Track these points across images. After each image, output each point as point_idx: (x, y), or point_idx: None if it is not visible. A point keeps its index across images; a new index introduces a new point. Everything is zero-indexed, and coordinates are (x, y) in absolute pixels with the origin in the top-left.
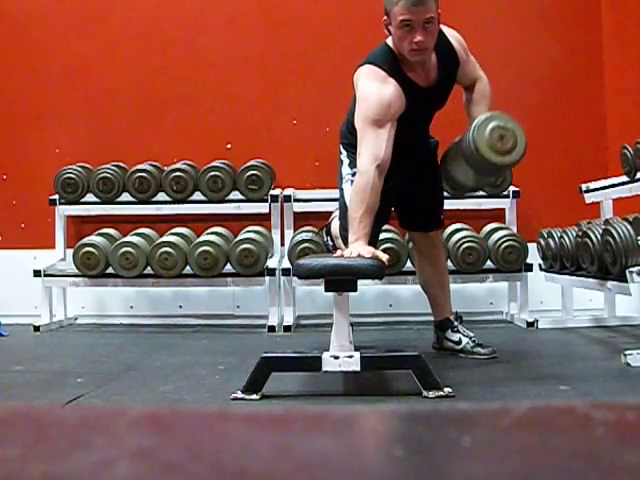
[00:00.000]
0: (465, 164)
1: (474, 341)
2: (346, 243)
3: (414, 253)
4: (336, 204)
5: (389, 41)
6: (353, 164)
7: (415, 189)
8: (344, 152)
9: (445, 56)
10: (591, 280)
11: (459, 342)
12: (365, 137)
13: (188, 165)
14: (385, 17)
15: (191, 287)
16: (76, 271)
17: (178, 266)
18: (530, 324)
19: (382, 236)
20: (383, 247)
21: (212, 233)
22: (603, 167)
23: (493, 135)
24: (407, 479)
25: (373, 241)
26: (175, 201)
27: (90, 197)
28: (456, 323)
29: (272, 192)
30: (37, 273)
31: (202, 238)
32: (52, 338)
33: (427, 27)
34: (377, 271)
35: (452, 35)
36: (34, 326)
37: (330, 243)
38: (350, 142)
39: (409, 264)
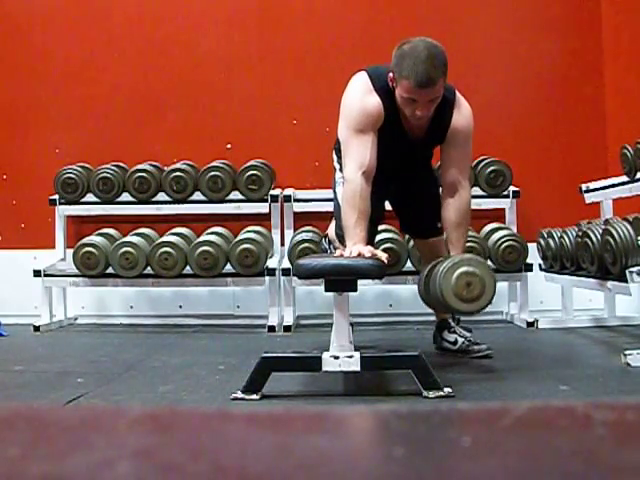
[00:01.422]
0: (436, 303)
1: (470, 341)
2: (343, 242)
3: (419, 257)
4: None
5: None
6: (342, 169)
7: (410, 198)
8: (335, 158)
9: (437, 127)
10: (591, 280)
11: (455, 342)
12: (349, 146)
13: (188, 165)
14: (391, 75)
15: (191, 287)
16: (76, 271)
17: (178, 266)
18: (530, 324)
19: (382, 236)
20: (383, 247)
21: (212, 233)
22: (603, 167)
23: (459, 283)
24: (407, 479)
25: (370, 241)
26: (175, 201)
27: (90, 197)
28: (453, 324)
29: (272, 192)
30: (37, 273)
31: (202, 238)
32: (52, 338)
33: (431, 103)
34: (377, 271)
35: (461, 112)
36: (34, 326)
37: (332, 251)
38: (339, 147)
39: (409, 264)
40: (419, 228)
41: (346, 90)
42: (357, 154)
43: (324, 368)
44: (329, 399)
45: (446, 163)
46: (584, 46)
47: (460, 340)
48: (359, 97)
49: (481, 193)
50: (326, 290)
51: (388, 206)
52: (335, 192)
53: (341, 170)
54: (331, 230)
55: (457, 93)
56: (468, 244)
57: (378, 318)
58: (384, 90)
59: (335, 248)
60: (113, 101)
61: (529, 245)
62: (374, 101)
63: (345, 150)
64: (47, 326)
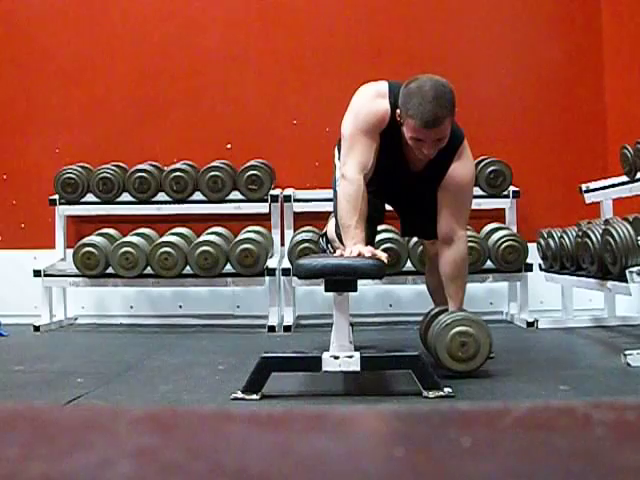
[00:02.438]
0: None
1: None
2: (342, 242)
3: (425, 258)
4: None
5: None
6: None
7: (412, 210)
8: (337, 155)
9: (434, 167)
10: (591, 280)
11: None
12: (353, 145)
13: (188, 165)
14: (398, 111)
15: (191, 287)
16: (76, 271)
17: (178, 266)
18: (530, 324)
19: (382, 236)
20: (383, 247)
21: (212, 233)
22: (603, 167)
23: (454, 343)
24: (407, 479)
25: (370, 241)
26: (175, 201)
27: (90, 197)
28: None
29: (272, 192)
30: (37, 273)
31: (202, 238)
32: (52, 338)
33: (438, 142)
34: (377, 271)
35: (465, 158)
36: (34, 326)
37: (330, 250)
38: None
39: (409, 264)
40: (425, 232)
41: (360, 89)
42: (361, 155)
43: (324, 368)
44: (329, 399)
45: (442, 211)
46: (584, 46)
47: None
48: (372, 98)
49: (481, 193)
50: (326, 290)
51: (388, 206)
52: (336, 191)
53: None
54: (330, 229)
55: (465, 142)
56: (468, 244)
57: (378, 318)
58: (395, 103)
59: (333, 248)
60: (113, 101)
61: (529, 245)
62: (383, 106)
63: (349, 148)
64: (47, 326)
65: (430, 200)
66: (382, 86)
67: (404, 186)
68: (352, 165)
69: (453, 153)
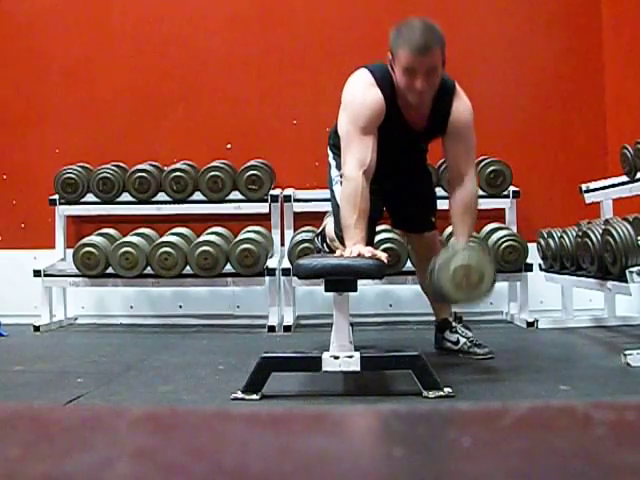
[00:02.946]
0: (437, 295)
1: (472, 341)
2: (342, 242)
3: (413, 255)
4: None
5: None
6: (340, 166)
7: (406, 192)
8: (331, 154)
9: (438, 114)
10: (591, 280)
11: (457, 342)
12: (351, 143)
13: (188, 165)
14: (390, 55)
15: (191, 287)
16: (76, 271)
17: (178, 266)
18: (530, 324)
19: (382, 236)
20: (383, 247)
21: (212, 233)
22: (603, 167)
23: (457, 274)
24: (407, 479)
25: (370, 241)
26: (175, 201)
27: (90, 197)
28: (454, 324)
29: (272, 192)
30: (37, 273)
31: (202, 238)
32: (52, 338)
33: (430, 75)
34: (377, 271)
35: (461, 103)
36: (34, 326)
37: (325, 250)
38: (336, 143)
39: (409, 264)
40: (414, 223)
41: (347, 86)
42: (359, 152)
43: (324, 368)
44: (329, 399)
45: (450, 157)
46: (584, 46)
47: (462, 340)
48: (361, 92)
49: (481, 193)
50: (326, 290)
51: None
52: (332, 190)
53: (337, 167)
54: (329, 228)
55: (457, 86)
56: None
57: (378, 318)
58: (385, 83)
59: (329, 247)
60: (113, 101)
61: (529, 245)
62: (375, 95)
63: (346, 147)
64: (47, 326)
65: (424, 190)
66: (365, 74)
67: (407, 156)
68: (351, 163)
69: (451, 97)
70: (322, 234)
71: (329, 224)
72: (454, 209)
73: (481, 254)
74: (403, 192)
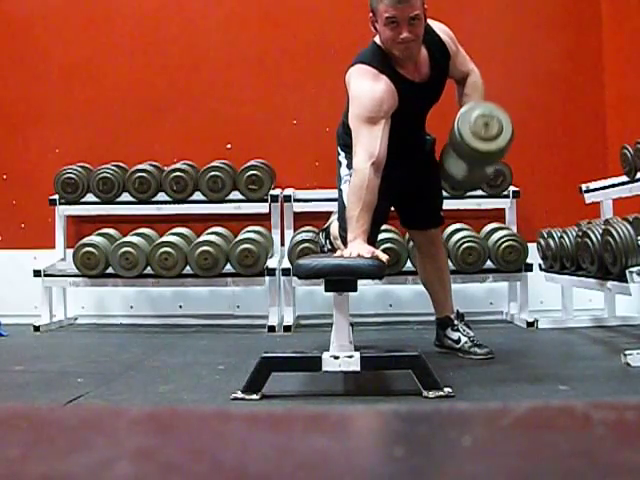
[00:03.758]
0: (456, 156)
1: (472, 341)
2: (345, 244)
3: (415, 252)
4: (336, 204)
5: (377, 39)
6: (351, 165)
7: (414, 187)
8: (342, 153)
9: (436, 50)
10: (591, 280)
11: (458, 341)
12: (359, 135)
13: (188, 165)
14: (371, 14)
15: (191, 287)
16: (76, 271)
17: (178, 266)
18: (530, 324)
19: (382, 236)
20: (383, 247)
21: (212, 233)
22: (603, 167)
23: (477, 123)
24: (407, 479)
25: (372, 241)
26: (175, 201)
27: (90, 197)
28: (457, 322)
29: (272, 192)
30: (37, 273)
31: (202, 238)
32: (52, 338)
33: (413, 23)
34: (377, 271)
35: (440, 29)
36: (34, 326)
37: (328, 247)
38: (346, 143)
39: (409, 264)
40: (421, 218)
41: (350, 83)
42: (368, 144)
43: (324, 368)
44: (329, 399)
45: (454, 72)
46: (584, 46)
47: (463, 339)
48: (368, 86)
49: (481, 193)
50: (326, 290)
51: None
52: (340, 190)
53: (348, 166)
54: (334, 226)
55: (428, 20)
56: (467, 244)
57: (378, 318)
58: (382, 63)
59: (332, 244)
60: (113, 101)
61: (529, 245)
62: (383, 86)
63: (355, 140)
64: (47, 326)
65: (430, 185)
66: (362, 68)
67: (420, 123)
68: (360, 155)
69: (434, 35)
70: (327, 230)
71: (335, 222)
72: (464, 91)
73: (501, 109)
74: (413, 185)
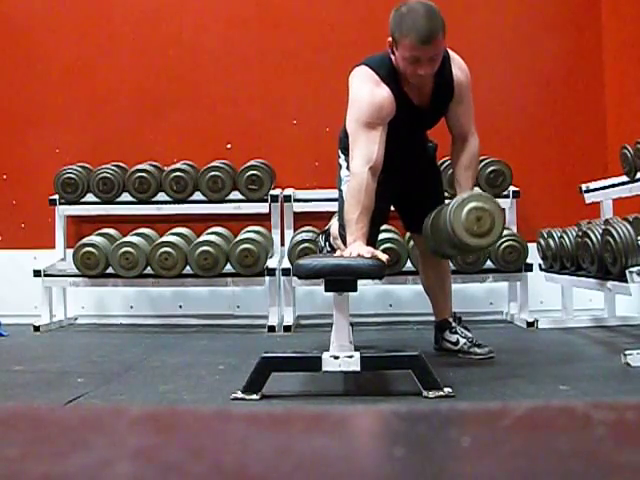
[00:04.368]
0: (443, 239)
1: (471, 341)
2: (345, 242)
3: (418, 257)
4: (336, 204)
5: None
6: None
7: (414, 192)
8: (342, 156)
9: (442, 85)
10: (591, 280)
11: (456, 343)
12: (357, 139)
13: (188, 165)
14: (390, 39)
15: (191, 287)
16: (76, 271)
17: (178, 266)
18: (530, 324)
19: (382, 236)
20: (383, 247)
21: (212, 233)
22: (603, 167)
23: (470, 218)
24: (407, 479)
25: (372, 241)
26: (175, 201)
27: (90, 197)
28: (454, 324)
29: (272, 192)
30: (37, 273)
31: (202, 238)
32: (52, 338)
33: (433, 60)
34: (377, 271)
35: (459, 66)
36: (34, 326)
37: (328, 249)
38: (346, 146)
39: (409, 264)
40: (423, 222)
41: (351, 85)
42: (365, 148)
43: (324, 368)
44: (329, 399)
45: (453, 118)
46: (584, 46)
47: (462, 341)
48: (368, 90)
49: None
50: (326, 290)
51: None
52: (340, 190)
53: (347, 168)
54: (334, 227)
55: (450, 51)
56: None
57: (378, 318)
58: (389, 76)
59: (332, 246)
60: (113, 101)
61: (529, 245)
62: (384, 93)
63: (353, 143)
64: (47, 326)
65: (432, 190)
66: (365, 71)
67: (418, 138)
68: (357, 160)
69: (449, 66)
70: (327, 233)
71: (335, 223)
72: (459, 163)
73: (493, 200)
74: (414, 190)
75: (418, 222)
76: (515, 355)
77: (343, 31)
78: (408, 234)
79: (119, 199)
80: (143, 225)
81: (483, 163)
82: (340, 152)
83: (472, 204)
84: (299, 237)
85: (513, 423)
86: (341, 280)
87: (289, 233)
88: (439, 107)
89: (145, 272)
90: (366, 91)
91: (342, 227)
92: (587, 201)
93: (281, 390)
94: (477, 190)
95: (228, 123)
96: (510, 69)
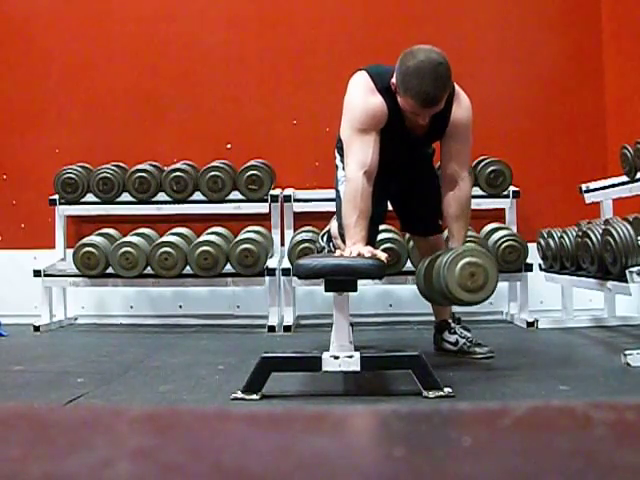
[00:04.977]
0: (437, 293)
1: (471, 341)
2: (344, 241)
3: (419, 257)
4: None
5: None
6: None
7: (411, 196)
8: (338, 157)
9: (438, 119)
10: (591, 280)
11: (456, 343)
12: (351, 145)
13: (188, 165)
14: (394, 82)
15: (191, 287)
16: (76, 271)
17: (178, 266)
18: (530, 324)
19: (382, 236)
20: (383, 247)
21: (212, 233)
22: (603, 167)
23: (463, 274)
24: (407, 479)
25: (371, 241)
26: (175, 201)
27: (90, 197)
28: (453, 325)
29: (272, 192)
30: (37, 273)
31: (202, 238)
32: (52, 338)
33: (434, 113)
34: (377, 271)
35: (460, 104)
36: (34, 326)
37: (332, 249)
38: (343, 147)
39: (409, 264)
40: (420, 226)
41: (348, 90)
42: (359, 153)
43: (324, 368)
44: (329, 399)
45: (446, 156)
46: (584, 46)
47: (461, 341)
48: (362, 97)
49: (481, 193)
50: (326, 290)
51: (389, 207)
52: (337, 190)
53: (344, 168)
54: (334, 227)
55: (456, 86)
56: (468, 244)
57: (378, 318)
58: (386, 90)
59: (334, 246)
60: (113, 101)
61: (529, 245)
62: (377, 102)
63: (347, 149)
64: (47, 326)
65: (429, 192)
66: (364, 78)
67: (409, 159)
68: (352, 165)
69: (450, 101)
70: (328, 234)
71: (334, 225)
72: (449, 210)
73: (487, 255)
74: (410, 194)
75: (414, 223)
76: (515, 355)
77: (343, 31)
78: (408, 234)
79: (119, 199)
80: (143, 225)
81: (483, 163)
82: (336, 152)
83: (466, 259)
84: (299, 237)
85: (513, 423)
86: (341, 280)
87: (289, 233)
88: (431, 137)
89: (145, 272)
90: (360, 98)
91: (341, 226)
92: (587, 201)
93: (281, 390)
94: (470, 244)
95: (228, 123)
96: (510, 69)
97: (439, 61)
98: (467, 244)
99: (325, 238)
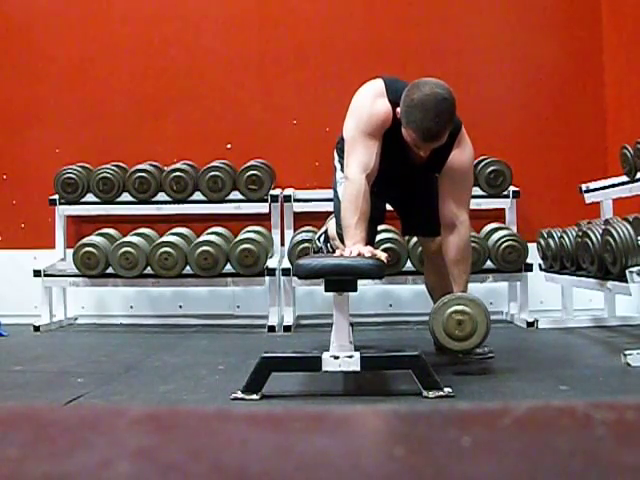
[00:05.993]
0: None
1: None
2: (343, 241)
3: (423, 257)
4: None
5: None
6: None
7: (413, 197)
8: (337, 157)
9: (436, 159)
10: (591, 280)
11: None
12: (355, 146)
13: (188, 165)
14: (398, 110)
15: (191, 287)
16: (76, 271)
17: (178, 266)
18: (530, 324)
19: (382, 236)
20: (383, 247)
21: (212, 233)
22: (603, 167)
23: (450, 323)
24: (407, 479)
25: (370, 241)
26: (175, 201)
27: (90, 197)
28: None
29: (272, 192)
30: (37, 273)
31: (202, 238)
32: (52, 338)
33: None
34: (377, 271)
35: (464, 149)
36: (34, 326)
37: (330, 249)
38: (343, 148)
39: (409, 264)
40: (425, 227)
41: (359, 91)
42: (362, 156)
43: (324, 368)
44: (329, 399)
45: (444, 197)
46: (584, 46)
47: None
48: (371, 100)
49: (481, 193)
50: (326, 290)
51: (388, 207)
52: (336, 191)
53: (342, 170)
54: (331, 228)
55: (462, 129)
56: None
57: (378, 318)
58: (396, 103)
59: (332, 247)
60: (113, 101)
61: (529, 245)
62: (384, 106)
63: (350, 150)
64: (47, 326)
65: (430, 194)
66: (379, 85)
67: (406, 177)
68: (354, 166)
69: (452, 142)
70: (325, 234)
71: (331, 226)
72: (449, 255)
73: (476, 303)
74: (411, 196)
75: (419, 227)
76: (515, 355)
77: (343, 32)
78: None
79: (119, 199)
80: (143, 225)
81: (483, 163)
82: (335, 153)
83: (452, 308)
84: (299, 237)
85: (513, 423)
86: (341, 280)
87: (289, 233)
88: (428, 169)
89: (145, 272)
90: (368, 101)
91: (339, 227)
92: (587, 201)
93: (281, 390)
94: (459, 293)
95: (228, 123)
96: (510, 69)
97: (444, 96)
98: (458, 292)
99: (322, 239)
